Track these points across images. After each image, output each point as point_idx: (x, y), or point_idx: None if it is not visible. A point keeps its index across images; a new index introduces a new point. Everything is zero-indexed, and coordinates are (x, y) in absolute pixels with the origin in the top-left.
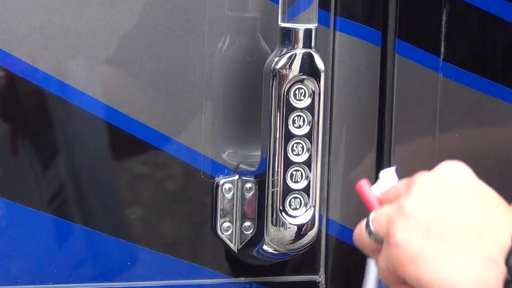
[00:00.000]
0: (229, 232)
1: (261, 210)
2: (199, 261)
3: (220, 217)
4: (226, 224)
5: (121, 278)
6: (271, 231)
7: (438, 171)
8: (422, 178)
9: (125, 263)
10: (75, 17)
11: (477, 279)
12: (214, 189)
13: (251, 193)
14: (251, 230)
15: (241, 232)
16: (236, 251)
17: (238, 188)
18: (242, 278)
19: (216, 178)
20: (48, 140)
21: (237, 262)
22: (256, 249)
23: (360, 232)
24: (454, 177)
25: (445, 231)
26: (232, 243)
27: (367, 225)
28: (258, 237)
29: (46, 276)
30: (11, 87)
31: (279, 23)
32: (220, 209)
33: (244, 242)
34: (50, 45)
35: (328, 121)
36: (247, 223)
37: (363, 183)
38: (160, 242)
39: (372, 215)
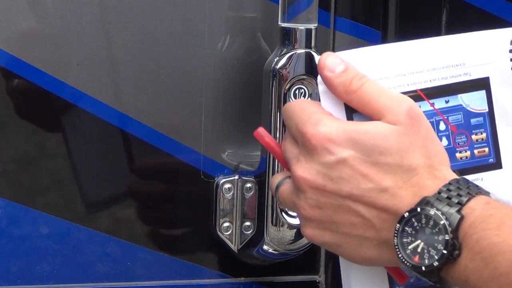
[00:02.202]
0: (229, 232)
1: (261, 210)
2: (199, 261)
3: (220, 217)
4: (226, 224)
5: (121, 278)
6: (271, 231)
7: None
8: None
9: (125, 263)
10: (75, 16)
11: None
12: (214, 189)
13: (251, 193)
14: (251, 230)
15: (241, 232)
16: (236, 251)
17: (238, 188)
18: (242, 278)
19: (216, 178)
20: (48, 139)
21: (237, 262)
22: (256, 249)
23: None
24: None
25: None
26: (232, 243)
27: None
28: (258, 237)
29: (46, 276)
30: (11, 87)
31: (279, 23)
32: (220, 209)
33: (244, 242)
34: (51, 45)
35: None
36: (247, 223)
37: (261, 130)
38: (160, 242)
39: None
